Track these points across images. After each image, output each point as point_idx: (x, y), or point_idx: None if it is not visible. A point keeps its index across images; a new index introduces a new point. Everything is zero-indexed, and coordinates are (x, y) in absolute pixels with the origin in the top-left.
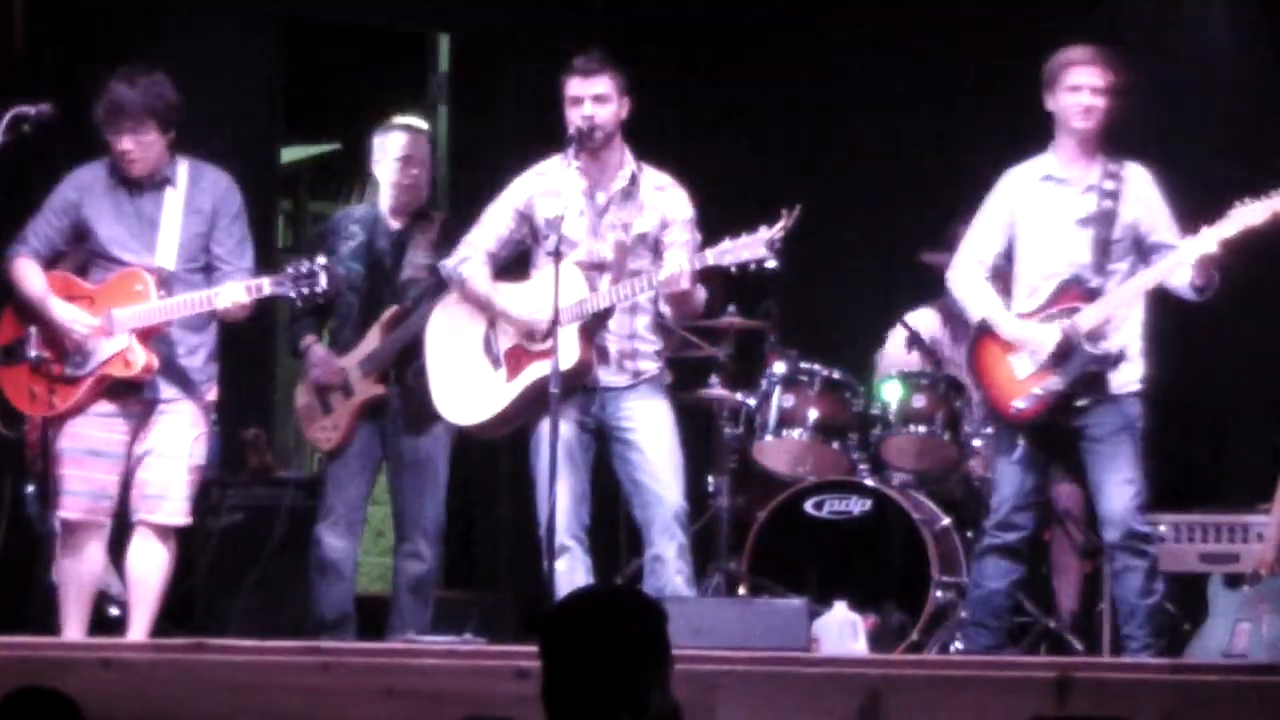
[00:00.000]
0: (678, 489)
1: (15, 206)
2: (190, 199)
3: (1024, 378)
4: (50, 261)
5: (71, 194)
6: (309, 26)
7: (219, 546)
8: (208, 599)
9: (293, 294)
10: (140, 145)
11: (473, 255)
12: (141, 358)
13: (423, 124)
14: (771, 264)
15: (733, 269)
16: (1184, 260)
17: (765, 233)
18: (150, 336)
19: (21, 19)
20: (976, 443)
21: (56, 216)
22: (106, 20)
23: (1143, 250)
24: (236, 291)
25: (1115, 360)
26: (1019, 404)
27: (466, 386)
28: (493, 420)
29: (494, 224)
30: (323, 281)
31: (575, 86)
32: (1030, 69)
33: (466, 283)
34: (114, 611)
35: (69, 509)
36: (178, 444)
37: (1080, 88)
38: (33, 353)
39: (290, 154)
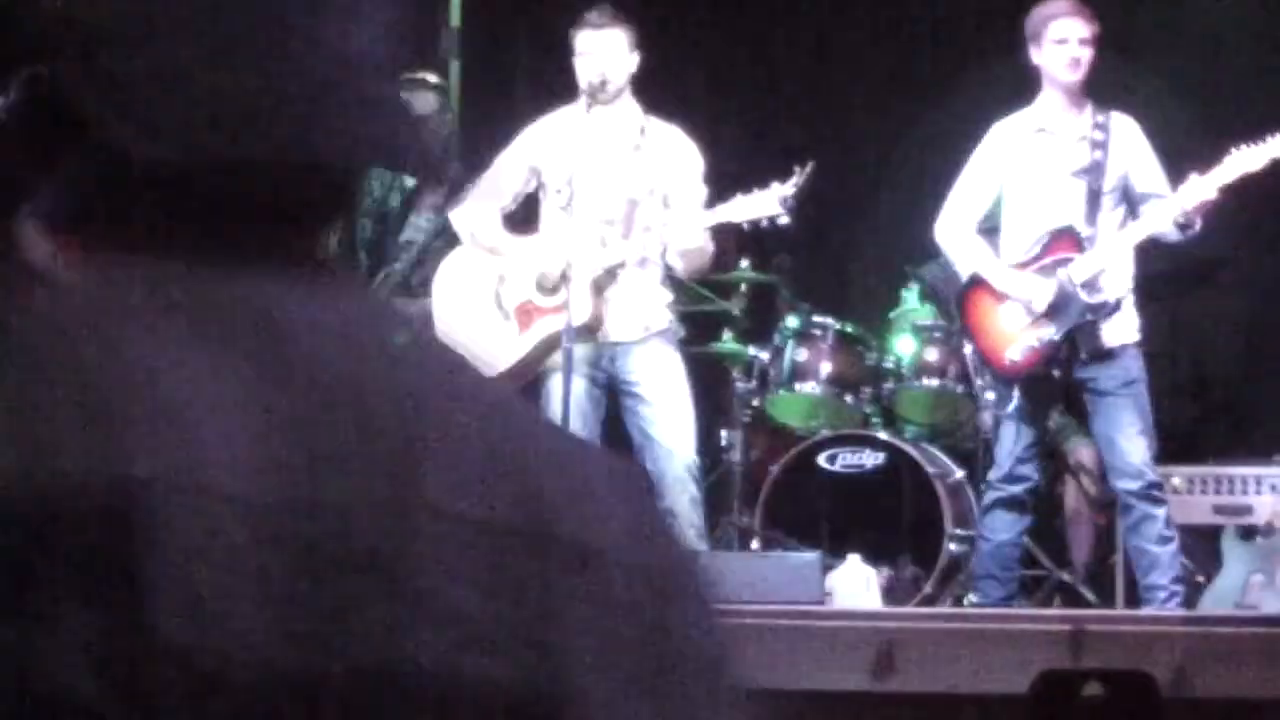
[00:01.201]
0: (689, 442)
1: None
2: None
3: (1017, 329)
4: None
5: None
6: None
7: None
8: None
9: None
10: None
11: (481, 205)
12: None
13: (431, 78)
14: (783, 220)
15: (744, 225)
16: (1183, 205)
17: (778, 189)
18: None
19: None
20: (990, 396)
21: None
22: None
23: (1132, 200)
24: None
25: (1110, 310)
26: (1012, 355)
27: (476, 340)
28: (502, 376)
29: (503, 175)
30: None
31: (585, 40)
32: None
33: (476, 233)
34: None
35: None
36: None
37: (1067, 39)
38: None
39: None
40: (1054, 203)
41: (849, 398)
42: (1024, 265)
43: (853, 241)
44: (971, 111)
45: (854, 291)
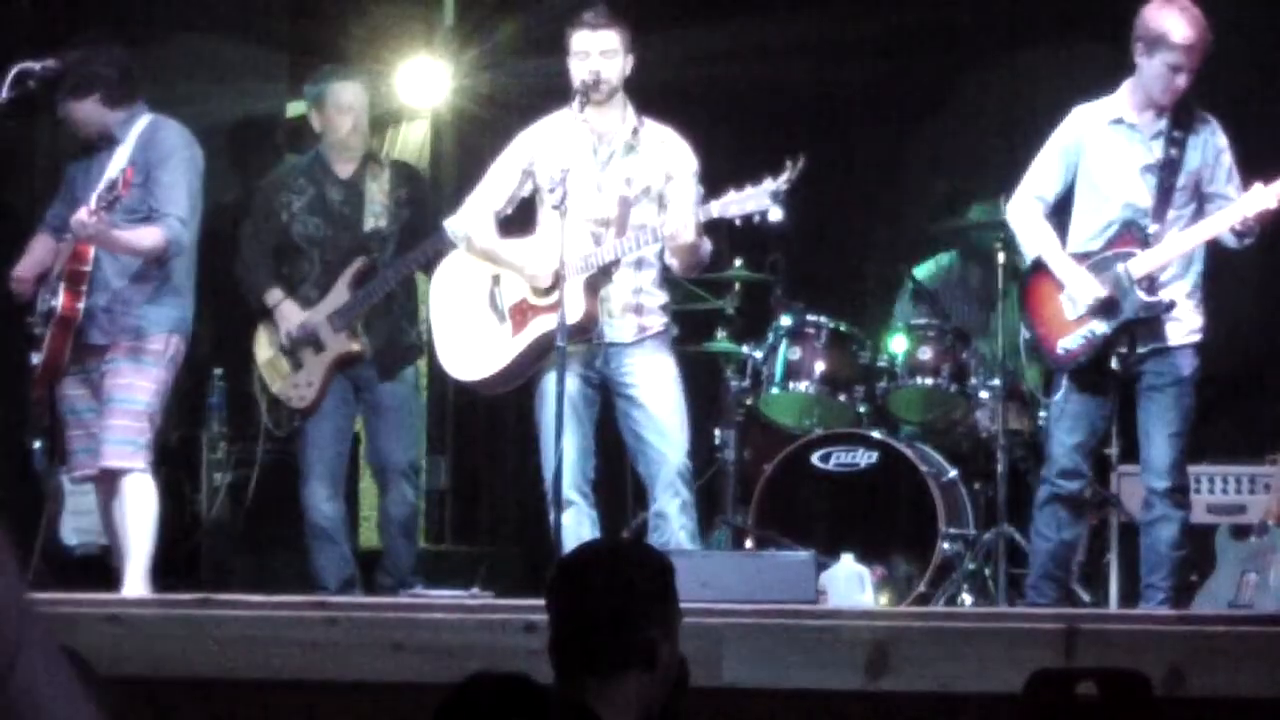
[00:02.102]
0: (682, 446)
1: (20, 161)
2: (133, 153)
3: (1073, 319)
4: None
5: (69, 165)
6: None
7: (226, 502)
8: (213, 555)
9: (106, 207)
10: (65, 114)
11: (477, 212)
12: (60, 300)
13: (349, 70)
14: (775, 215)
15: (737, 221)
16: (1246, 213)
17: (769, 184)
18: (77, 281)
19: None
20: (983, 395)
21: (63, 189)
22: None
23: (1201, 199)
24: (80, 214)
25: (1164, 309)
26: (1066, 345)
27: (471, 341)
28: (497, 375)
29: (499, 180)
30: (119, 188)
31: (581, 40)
32: (1036, 14)
33: (471, 239)
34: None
35: (78, 469)
36: (111, 389)
37: (1181, 69)
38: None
39: (296, 108)
40: (1123, 196)
41: (842, 396)
42: (1086, 256)
43: (847, 240)
44: (968, 111)
45: (848, 290)
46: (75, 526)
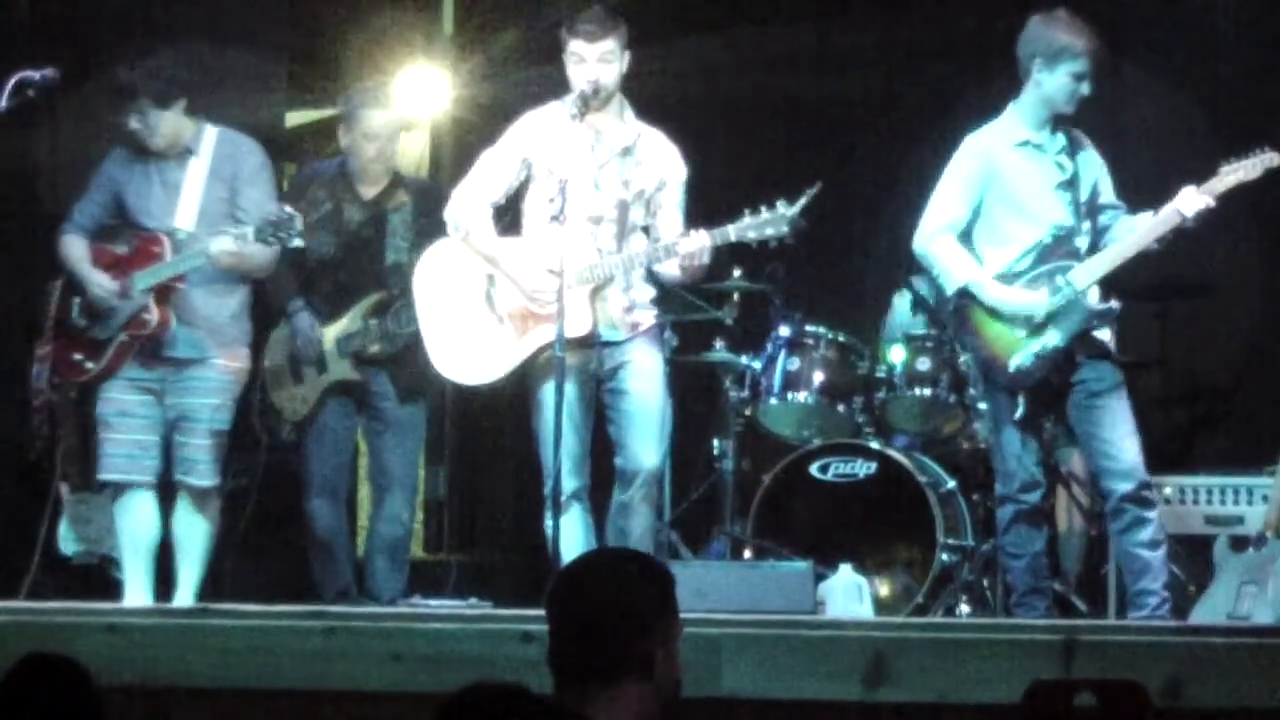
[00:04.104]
0: (656, 445)
1: (20, 170)
2: (214, 166)
3: (1018, 338)
4: (97, 234)
5: (111, 169)
6: None
7: (224, 512)
8: (212, 564)
9: (271, 241)
10: (144, 124)
11: (475, 205)
12: (155, 316)
13: (386, 93)
14: (789, 240)
15: (753, 245)
16: (1184, 212)
17: (785, 209)
18: (167, 295)
19: None
20: (982, 405)
21: (98, 192)
22: None
23: (1094, 210)
24: (224, 241)
25: (1117, 317)
26: (1019, 363)
27: (469, 343)
28: (498, 380)
29: (496, 171)
30: (298, 225)
31: (579, 47)
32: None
33: (470, 234)
34: (118, 575)
35: (106, 471)
36: (199, 409)
37: (1083, 76)
38: (75, 320)
39: (295, 118)
40: (1049, 216)
41: (841, 407)
42: (1017, 276)
43: (846, 251)
44: (969, 124)
45: (847, 301)
46: (73, 536)
